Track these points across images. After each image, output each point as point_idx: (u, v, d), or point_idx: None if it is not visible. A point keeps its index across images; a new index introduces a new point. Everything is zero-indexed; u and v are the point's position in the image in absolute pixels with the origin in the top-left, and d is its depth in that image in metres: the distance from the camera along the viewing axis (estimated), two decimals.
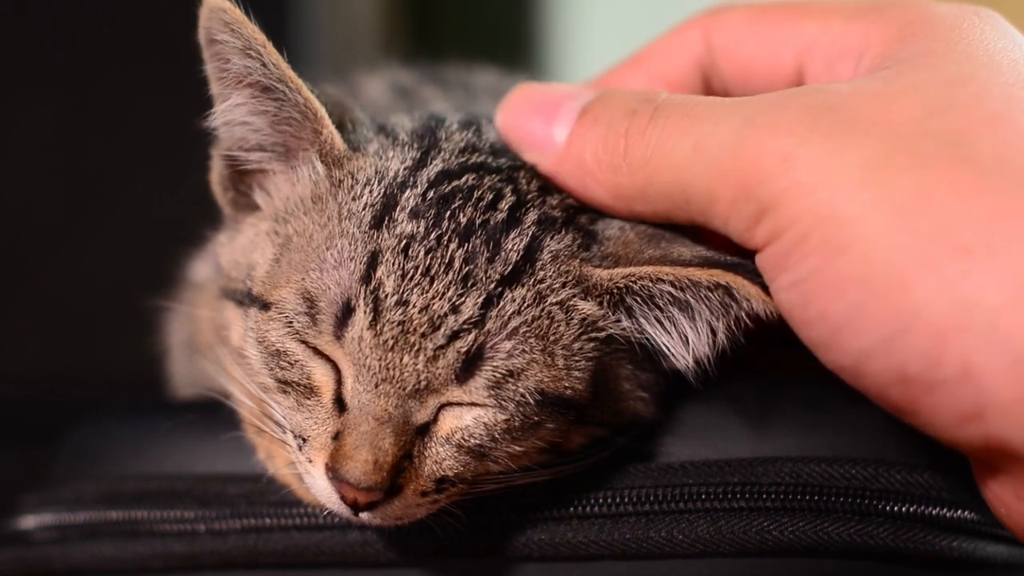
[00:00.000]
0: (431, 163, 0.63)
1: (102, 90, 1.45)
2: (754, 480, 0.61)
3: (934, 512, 0.60)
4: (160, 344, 0.87)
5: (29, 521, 0.70)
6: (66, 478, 0.71)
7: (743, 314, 0.59)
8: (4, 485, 0.73)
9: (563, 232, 0.61)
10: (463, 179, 0.62)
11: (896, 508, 0.60)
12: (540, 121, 0.63)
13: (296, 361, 0.61)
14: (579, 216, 0.63)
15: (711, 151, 0.56)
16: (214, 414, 0.68)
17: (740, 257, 0.59)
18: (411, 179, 0.61)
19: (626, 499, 0.62)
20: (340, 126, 0.64)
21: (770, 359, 0.66)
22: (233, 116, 0.64)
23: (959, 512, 0.60)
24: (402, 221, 0.59)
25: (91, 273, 1.42)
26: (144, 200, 1.38)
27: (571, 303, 0.60)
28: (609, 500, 0.62)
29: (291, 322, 0.60)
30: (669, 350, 0.62)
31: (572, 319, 0.60)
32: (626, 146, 0.59)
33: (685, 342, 0.61)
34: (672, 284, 0.60)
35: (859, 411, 0.62)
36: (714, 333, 0.61)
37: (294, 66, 0.63)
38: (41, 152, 1.45)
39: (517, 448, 0.60)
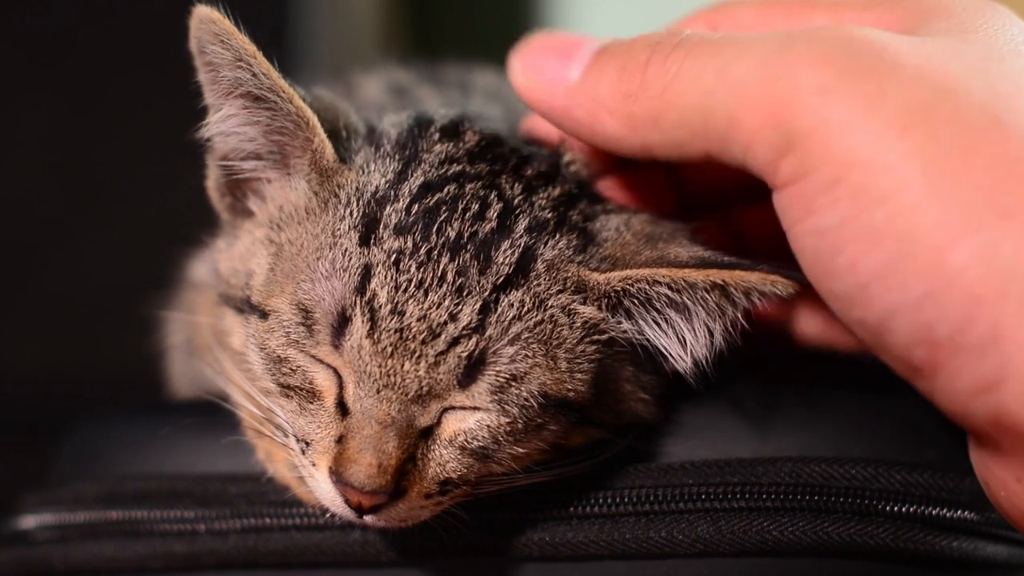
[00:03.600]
0: (412, 176, 0.62)
1: (102, 90, 1.45)
2: (754, 480, 0.61)
3: (934, 512, 0.60)
4: (159, 344, 0.87)
5: (29, 521, 0.70)
6: (66, 478, 0.70)
7: (739, 315, 0.59)
8: (4, 485, 0.73)
9: (557, 236, 0.61)
10: (445, 191, 0.61)
11: (896, 508, 0.60)
12: (555, 61, 0.61)
13: (298, 367, 0.61)
14: (570, 213, 0.63)
15: (738, 75, 0.53)
16: (214, 414, 0.68)
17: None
18: (391, 193, 0.61)
19: (626, 499, 0.62)
20: (333, 134, 0.64)
21: (770, 359, 0.67)
22: (226, 126, 0.64)
23: (959, 512, 0.60)
24: (387, 238, 0.59)
25: (91, 273, 1.42)
26: (144, 200, 1.38)
27: (572, 307, 0.60)
28: (609, 500, 0.62)
29: (288, 332, 0.60)
30: (667, 352, 0.62)
31: (574, 323, 0.60)
32: (644, 75, 0.57)
33: (683, 344, 0.61)
34: (668, 286, 0.59)
35: (859, 411, 0.62)
36: (711, 335, 0.60)
37: (291, 68, 0.63)
38: (41, 152, 1.44)
39: (520, 450, 0.60)
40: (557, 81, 0.61)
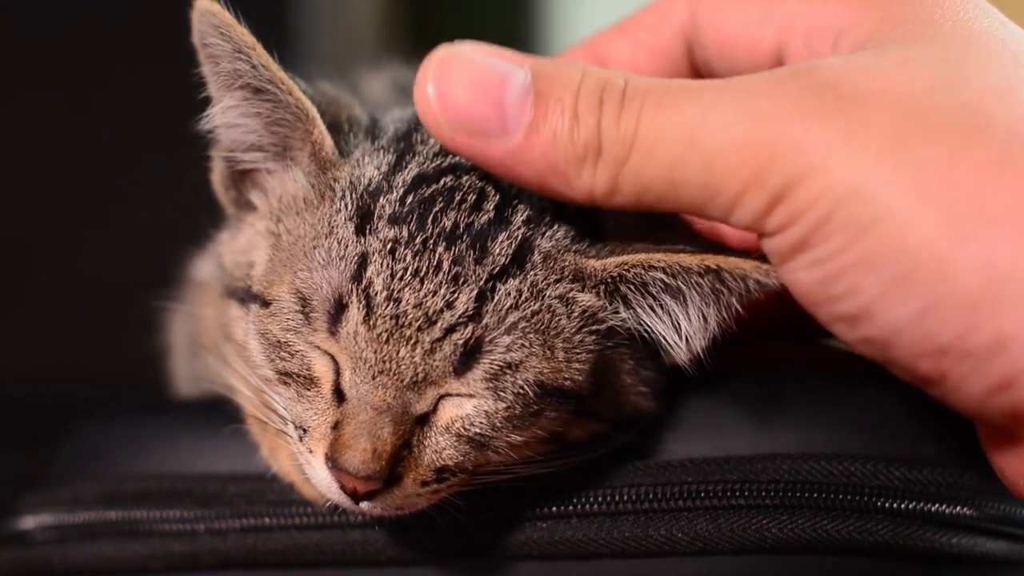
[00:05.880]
0: (406, 167, 0.62)
1: (102, 90, 1.45)
2: (753, 478, 0.61)
3: (933, 508, 0.60)
4: (162, 343, 0.87)
5: (29, 521, 0.70)
6: (66, 478, 0.71)
7: (734, 300, 0.59)
8: (4, 485, 0.73)
9: (555, 227, 0.61)
10: (440, 182, 0.61)
11: (895, 505, 0.60)
12: (485, 101, 0.55)
13: (296, 352, 0.61)
14: (569, 205, 0.63)
15: (708, 143, 0.53)
16: (214, 413, 0.68)
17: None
18: (385, 185, 0.61)
19: (625, 497, 0.62)
20: (334, 127, 0.64)
21: (770, 355, 0.67)
22: (227, 118, 0.65)
23: (958, 508, 0.60)
24: (382, 228, 0.59)
25: (91, 273, 1.42)
26: (144, 200, 1.38)
27: (570, 296, 0.60)
28: (608, 498, 0.62)
29: (288, 319, 0.61)
30: (664, 339, 0.62)
31: (573, 312, 0.60)
32: (600, 140, 0.55)
33: (678, 330, 0.61)
34: (663, 271, 0.59)
35: (859, 407, 0.62)
36: (705, 320, 0.60)
37: (293, 65, 0.63)
38: (41, 152, 1.45)
39: (517, 437, 0.60)
40: (495, 130, 0.55)
